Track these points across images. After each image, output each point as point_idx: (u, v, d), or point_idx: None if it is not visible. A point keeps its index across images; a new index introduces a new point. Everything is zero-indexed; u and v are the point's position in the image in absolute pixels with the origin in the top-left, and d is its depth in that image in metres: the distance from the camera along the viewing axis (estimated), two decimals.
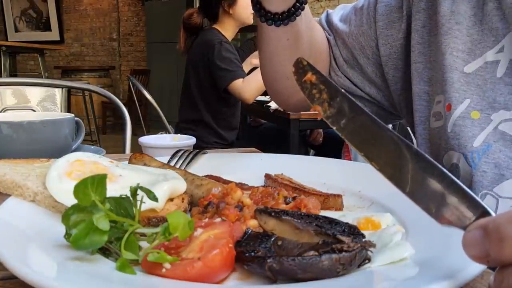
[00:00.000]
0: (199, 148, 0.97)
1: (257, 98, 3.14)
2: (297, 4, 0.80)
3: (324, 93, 0.50)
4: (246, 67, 2.83)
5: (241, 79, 2.66)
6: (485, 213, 0.40)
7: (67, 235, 0.49)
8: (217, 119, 2.87)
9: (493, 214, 0.40)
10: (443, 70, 0.77)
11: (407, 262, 0.47)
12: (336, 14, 0.99)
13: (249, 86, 2.63)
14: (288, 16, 0.80)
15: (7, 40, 8.96)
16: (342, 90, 0.50)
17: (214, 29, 2.81)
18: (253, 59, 2.91)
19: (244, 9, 2.81)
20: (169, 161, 0.86)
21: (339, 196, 0.70)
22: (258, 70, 2.68)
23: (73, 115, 1.06)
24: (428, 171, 0.44)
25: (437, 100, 0.80)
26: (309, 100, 0.50)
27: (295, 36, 0.86)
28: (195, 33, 2.86)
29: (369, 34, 0.92)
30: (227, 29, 2.84)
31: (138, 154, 0.81)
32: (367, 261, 0.47)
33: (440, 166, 0.44)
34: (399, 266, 0.47)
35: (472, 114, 0.74)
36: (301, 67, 0.51)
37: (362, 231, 0.50)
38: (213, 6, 2.79)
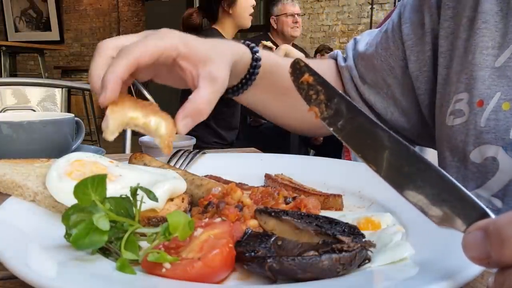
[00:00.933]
0: (199, 148, 0.97)
1: None
2: (239, 84, 0.87)
3: (321, 94, 0.50)
4: None
5: None
6: (484, 214, 0.40)
7: (67, 235, 0.49)
8: (216, 119, 2.86)
9: (492, 216, 0.40)
10: (471, 68, 0.79)
11: (407, 262, 0.47)
12: (363, 40, 1.03)
13: None
14: (232, 93, 0.88)
15: (7, 40, 8.97)
16: (340, 92, 0.50)
17: (214, 29, 2.81)
18: None
19: (244, 10, 2.81)
20: (169, 161, 0.86)
21: (339, 196, 0.70)
22: None
23: (73, 115, 1.06)
24: (427, 172, 0.44)
25: (456, 98, 0.81)
26: (306, 101, 0.50)
27: (254, 101, 0.94)
28: (195, 33, 2.86)
29: (397, 55, 0.94)
30: (227, 30, 2.84)
31: (138, 154, 0.81)
32: (367, 261, 0.47)
33: (438, 168, 0.43)
34: (399, 266, 0.47)
35: (503, 106, 0.75)
36: (298, 68, 0.51)
37: (362, 231, 0.50)
38: (213, 6, 2.80)
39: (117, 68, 0.62)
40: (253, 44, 0.86)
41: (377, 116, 0.99)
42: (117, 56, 0.64)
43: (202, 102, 0.67)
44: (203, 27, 2.90)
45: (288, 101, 0.96)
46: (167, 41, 0.67)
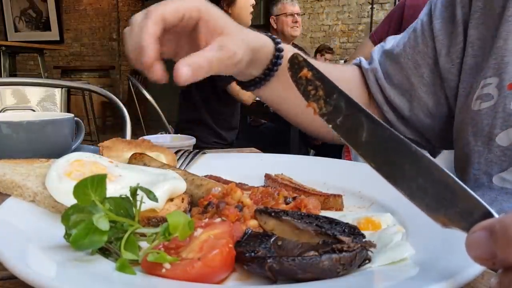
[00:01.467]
0: (199, 148, 0.97)
1: (257, 98, 3.15)
2: (262, 75, 0.87)
3: (320, 90, 0.49)
4: None
5: None
6: (488, 214, 0.40)
7: (67, 235, 0.48)
8: (216, 119, 2.86)
9: (496, 215, 0.39)
10: (501, 54, 0.81)
11: (407, 262, 0.47)
12: (389, 43, 1.04)
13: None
14: (254, 84, 0.89)
15: (6, 40, 8.97)
16: (339, 87, 0.49)
17: None
18: None
19: (243, 10, 2.82)
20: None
21: (339, 196, 0.70)
22: None
23: (72, 115, 1.05)
24: (429, 171, 0.43)
25: (484, 83, 0.83)
26: (304, 97, 0.49)
27: (276, 97, 0.94)
28: None
29: (426, 52, 0.96)
30: None
31: (138, 154, 0.81)
32: (367, 261, 0.47)
33: (440, 166, 0.43)
34: (399, 267, 0.47)
35: None
36: (297, 63, 0.51)
37: (362, 231, 0.50)
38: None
39: (146, 27, 0.65)
40: (274, 36, 0.87)
41: (404, 121, 1.00)
42: (143, 18, 0.67)
43: (203, 58, 0.69)
44: None
45: None
46: (189, 3, 0.71)
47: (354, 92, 1.02)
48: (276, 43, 0.85)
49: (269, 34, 0.87)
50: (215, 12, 0.73)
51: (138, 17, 0.70)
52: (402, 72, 0.98)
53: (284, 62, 0.87)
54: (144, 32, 0.65)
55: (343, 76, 1.05)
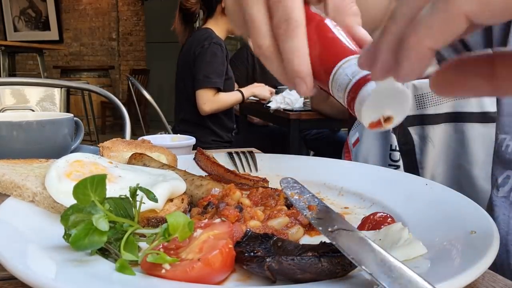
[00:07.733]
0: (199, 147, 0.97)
1: (256, 98, 3.17)
2: None
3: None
4: (246, 92, 2.99)
5: (212, 91, 2.75)
6: None
7: (66, 236, 0.48)
8: (211, 117, 2.89)
9: None
10: None
11: (409, 263, 0.47)
12: None
13: (216, 104, 2.79)
14: None
15: (6, 39, 8.95)
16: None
17: (208, 29, 2.85)
18: (255, 89, 3.12)
19: None
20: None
21: (266, 181, 0.74)
22: (233, 93, 2.87)
23: (72, 115, 1.05)
24: None
25: None
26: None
27: None
28: (189, 22, 2.91)
29: None
30: (220, 29, 2.89)
31: (138, 154, 0.80)
32: None
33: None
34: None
35: None
36: None
37: (366, 231, 0.50)
38: (213, 2, 2.85)
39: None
40: None
41: None
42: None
43: None
44: (197, 19, 2.93)
45: None
46: None
47: None
48: None
49: None
50: None
51: None
52: None
53: None
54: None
55: None
